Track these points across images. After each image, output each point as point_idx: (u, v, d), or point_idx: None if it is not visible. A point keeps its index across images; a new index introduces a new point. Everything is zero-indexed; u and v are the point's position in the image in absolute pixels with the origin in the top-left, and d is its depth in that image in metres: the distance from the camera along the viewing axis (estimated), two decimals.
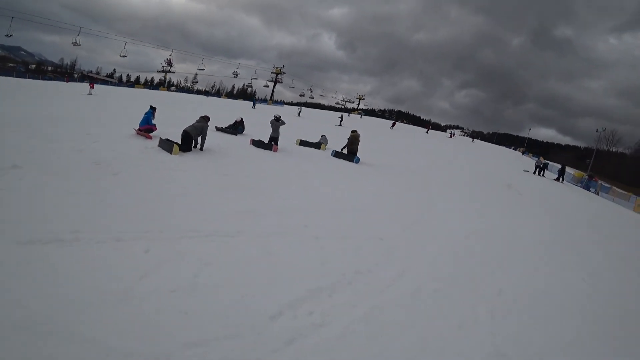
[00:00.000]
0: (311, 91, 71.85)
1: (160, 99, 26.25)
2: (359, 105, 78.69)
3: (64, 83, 42.24)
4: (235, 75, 64.62)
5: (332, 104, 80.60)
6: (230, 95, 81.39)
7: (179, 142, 8.26)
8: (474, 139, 52.57)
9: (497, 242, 5.76)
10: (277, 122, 11.10)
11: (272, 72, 67.29)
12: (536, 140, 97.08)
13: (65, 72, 70.05)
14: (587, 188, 21.00)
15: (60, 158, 6.22)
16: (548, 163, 22.77)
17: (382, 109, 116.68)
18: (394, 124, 42.75)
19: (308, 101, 71.77)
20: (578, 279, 4.82)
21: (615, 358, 3.16)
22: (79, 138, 7.99)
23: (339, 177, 8.85)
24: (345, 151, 11.82)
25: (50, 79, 49.48)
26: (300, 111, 39.10)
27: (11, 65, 70.31)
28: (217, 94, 73.13)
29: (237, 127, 13.53)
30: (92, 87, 27.77)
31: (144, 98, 25.08)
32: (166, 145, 8.17)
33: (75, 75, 52.65)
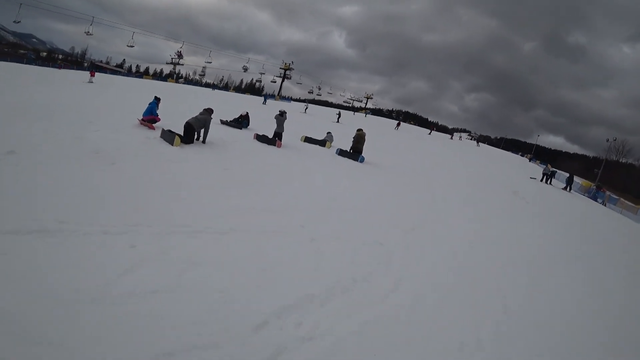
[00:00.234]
0: (319, 88, 71.55)
1: (166, 91, 26.13)
2: (366, 104, 78.14)
3: (67, 70, 42.22)
4: (245, 69, 64.52)
5: (340, 102, 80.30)
6: (238, 89, 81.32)
7: (182, 133, 8.14)
8: (479, 143, 51.70)
9: (502, 252, 5.49)
10: (281, 117, 10.94)
11: (280, 68, 66.96)
12: (544, 148, 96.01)
13: (75, 61, 70.48)
14: (595, 198, 20.59)
15: (59, 146, 6.10)
16: (556, 171, 22.36)
17: (390, 109, 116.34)
18: (398, 124, 41.81)
19: (315, 98, 71.32)
20: (586, 296, 4.57)
21: None
22: (80, 126, 7.88)
23: (341, 176, 8.65)
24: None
25: (58, 67, 49.66)
26: (306, 108, 38.84)
27: (22, 52, 70.77)
28: (226, 87, 73.10)
29: (241, 121, 13.38)
30: (92, 75, 27.23)
31: (146, 88, 24.95)
32: (168, 136, 8.05)
33: (85, 64, 52.68)
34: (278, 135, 10.85)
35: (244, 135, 11.24)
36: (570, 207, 13.65)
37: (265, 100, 39.90)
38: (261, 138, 10.77)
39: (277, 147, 10.40)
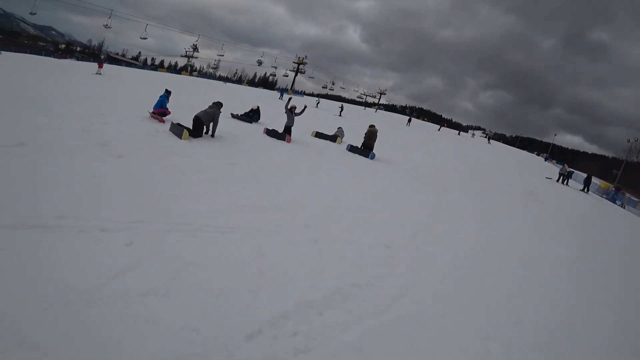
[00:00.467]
0: (333, 83, 71.18)
1: (177, 83, 26.25)
2: (379, 99, 77.27)
3: (73, 60, 42.56)
4: (260, 63, 64.58)
5: (354, 97, 79.76)
6: (252, 83, 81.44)
7: (190, 127, 8.10)
8: (490, 140, 50.29)
9: (517, 259, 5.19)
10: (291, 112, 10.85)
11: (294, 62, 66.70)
12: (561, 147, 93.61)
13: (92, 53, 71.54)
14: (614, 200, 19.89)
15: (68, 138, 6.11)
16: (573, 171, 21.68)
17: (404, 105, 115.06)
18: (409, 121, 40.39)
19: (328, 93, 70.96)
20: (607, 308, 4.27)
21: None
22: (89, 118, 7.90)
23: (351, 173, 8.49)
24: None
25: (77, 59, 50.50)
26: (318, 102, 38.69)
27: (42, 44, 72.24)
28: (239, 81, 73.22)
29: (252, 115, 13.34)
30: (100, 66, 27.08)
31: (158, 81, 25.03)
32: (177, 129, 8.02)
33: (102, 57, 53.32)
34: (287, 129, 10.73)
35: (254, 130, 11.16)
36: (588, 209, 13.17)
37: (282, 94, 39.82)
38: (271, 132, 10.68)
39: (287, 142, 10.30)
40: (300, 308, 2.69)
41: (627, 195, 21.47)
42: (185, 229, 3.61)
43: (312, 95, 66.83)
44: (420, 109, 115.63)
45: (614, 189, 22.14)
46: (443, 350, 2.64)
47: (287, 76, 66.78)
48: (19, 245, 2.80)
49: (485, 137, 59.14)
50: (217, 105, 8.71)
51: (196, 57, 65.82)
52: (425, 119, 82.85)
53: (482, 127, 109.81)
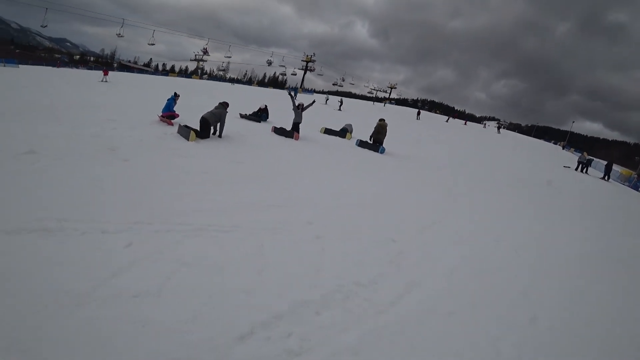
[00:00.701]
0: (343, 80, 70.79)
1: (186, 87, 26.44)
2: (390, 94, 76.44)
3: (75, 69, 43.18)
4: (269, 63, 64.65)
5: (365, 92, 79.15)
6: (262, 83, 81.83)
7: (198, 128, 8.12)
8: (500, 130, 48.30)
9: (532, 252, 4.94)
10: (298, 109, 10.80)
11: (302, 60, 66.53)
12: (579, 135, 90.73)
13: (106, 62, 73.25)
14: (636, 188, 19.10)
15: (77, 144, 6.20)
16: (592, 159, 20.92)
17: (415, 98, 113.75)
18: (419, 114, 39.08)
19: (338, 90, 70.53)
20: (632, 305, 3.99)
21: None
22: (99, 124, 8.01)
23: (359, 168, 8.35)
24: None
25: (90, 68, 51.67)
26: (327, 99, 38.59)
27: (57, 56, 74.44)
28: (249, 82, 73.64)
29: (260, 115, 13.37)
30: (105, 74, 26.20)
31: (167, 85, 25.21)
32: (184, 131, 8.07)
33: (115, 65, 54.45)
34: (295, 126, 10.68)
35: (263, 129, 11.15)
36: (609, 198, 12.65)
37: (295, 93, 39.85)
38: (279, 131, 10.65)
39: (295, 139, 10.25)
40: (297, 307, 2.59)
41: None
42: (186, 229, 3.56)
43: (322, 92, 66.55)
44: (432, 102, 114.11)
45: (636, 176, 21.29)
46: (448, 352, 2.49)
47: (295, 74, 66.67)
48: (19, 249, 2.81)
49: (502, 127, 57.55)
50: (223, 106, 8.73)
51: (206, 60, 66.46)
52: (437, 111, 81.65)
53: (496, 117, 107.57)
